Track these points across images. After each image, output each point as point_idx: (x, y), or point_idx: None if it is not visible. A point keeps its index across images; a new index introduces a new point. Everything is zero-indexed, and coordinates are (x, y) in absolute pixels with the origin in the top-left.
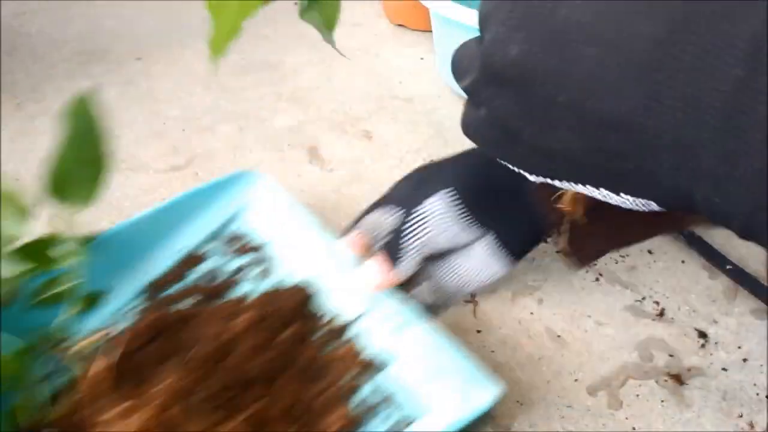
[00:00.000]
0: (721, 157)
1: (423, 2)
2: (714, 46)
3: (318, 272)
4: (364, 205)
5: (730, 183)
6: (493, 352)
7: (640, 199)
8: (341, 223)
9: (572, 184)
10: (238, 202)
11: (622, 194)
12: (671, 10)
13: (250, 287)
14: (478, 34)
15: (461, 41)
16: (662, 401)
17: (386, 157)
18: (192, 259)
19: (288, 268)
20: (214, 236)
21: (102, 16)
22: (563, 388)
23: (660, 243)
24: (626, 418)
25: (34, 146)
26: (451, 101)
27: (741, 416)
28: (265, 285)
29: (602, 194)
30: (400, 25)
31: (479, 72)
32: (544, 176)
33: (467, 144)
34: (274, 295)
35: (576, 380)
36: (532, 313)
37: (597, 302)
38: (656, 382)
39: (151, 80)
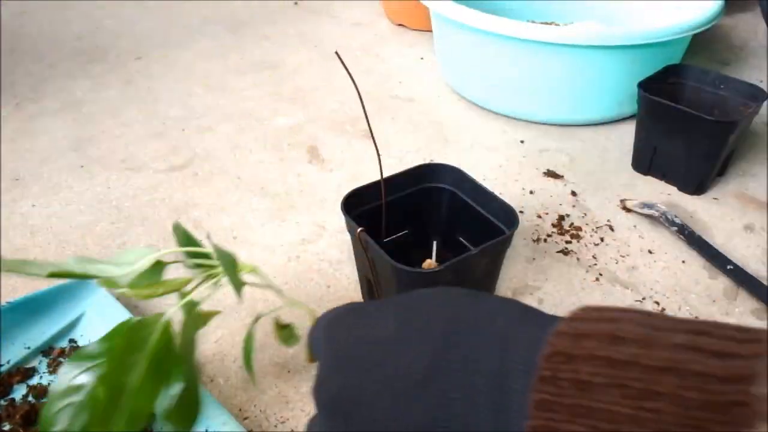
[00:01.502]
0: None
1: (423, 2)
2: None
3: None
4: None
5: None
6: None
7: None
8: (341, 224)
9: None
10: (75, 311)
11: None
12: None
13: None
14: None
15: (460, 41)
16: None
17: (386, 157)
18: (19, 373)
19: None
20: (45, 347)
21: (102, 16)
22: None
23: (660, 243)
24: None
25: (33, 146)
26: (451, 101)
27: None
28: None
29: None
30: (400, 25)
31: (317, 414)
32: None
33: (467, 143)
34: None
35: None
36: None
37: (597, 302)
38: None
39: (151, 80)
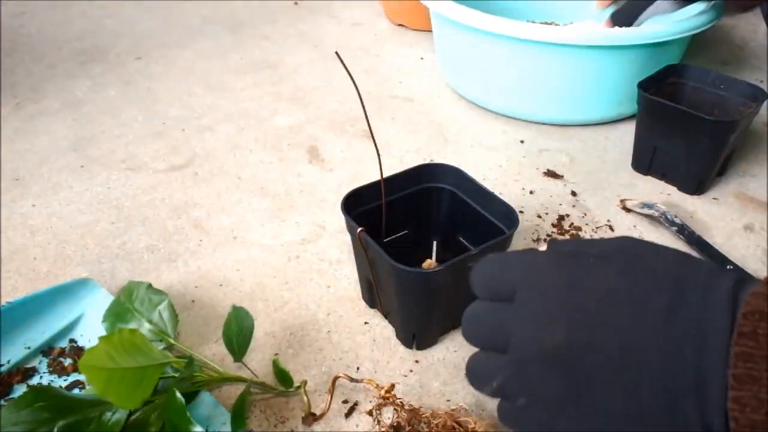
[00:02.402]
0: None
1: (423, 2)
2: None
3: None
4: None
5: None
6: None
7: None
8: (341, 224)
9: None
10: (75, 312)
11: None
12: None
13: None
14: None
15: (460, 41)
16: None
17: (386, 157)
18: (19, 373)
19: None
20: (45, 347)
21: (102, 16)
22: None
23: (660, 243)
24: None
25: (33, 146)
26: (451, 101)
27: None
28: None
29: None
30: (400, 25)
31: (516, 366)
32: None
33: (467, 143)
34: None
35: None
36: None
37: None
38: None
39: (151, 80)
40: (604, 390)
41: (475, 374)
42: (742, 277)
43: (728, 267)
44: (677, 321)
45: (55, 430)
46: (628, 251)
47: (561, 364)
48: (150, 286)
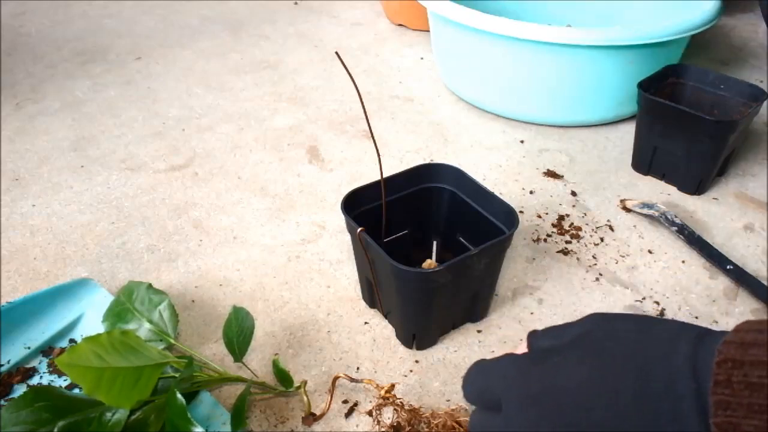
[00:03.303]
0: None
1: (421, 2)
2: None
3: None
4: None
5: None
6: (493, 352)
7: None
8: (341, 224)
9: None
10: (74, 312)
11: None
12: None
13: None
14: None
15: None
16: None
17: (386, 157)
18: (19, 373)
19: None
20: (45, 347)
21: (102, 16)
22: None
23: (660, 243)
24: None
25: (33, 146)
26: (451, 101)
27: None
28: None
29: None
30: (400, 25)
31: None
32: None
33: (467, 143)
34: None
35: None
36: (532, 313)
37: (597, 302)
38: None
39: (151, 80)
40: None
41: None
42: (702, 331)
43: (728, 267)
44: (647, 401)
45: (56, 430)
46: (593, 336)
47: None
48: (150, 286)
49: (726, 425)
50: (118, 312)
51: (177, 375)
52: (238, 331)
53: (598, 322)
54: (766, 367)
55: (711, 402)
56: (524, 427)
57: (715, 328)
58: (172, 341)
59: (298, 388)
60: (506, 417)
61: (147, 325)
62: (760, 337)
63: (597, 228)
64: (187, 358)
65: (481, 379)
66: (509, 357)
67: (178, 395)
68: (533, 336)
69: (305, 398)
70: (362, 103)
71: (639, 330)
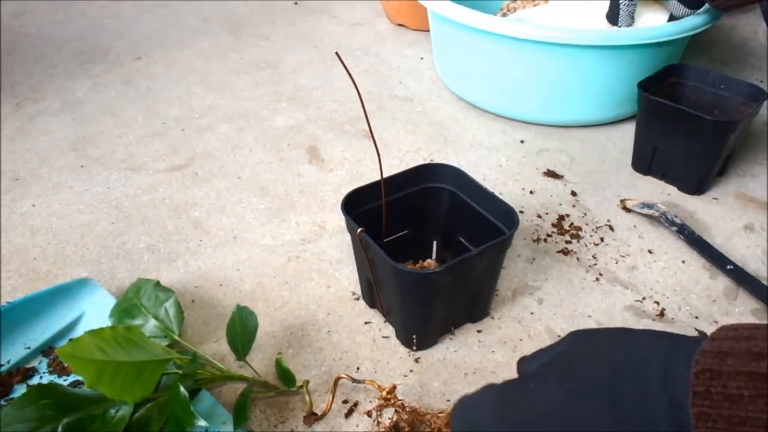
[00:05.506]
0: None
1: (421, 2)
2: None
3: None
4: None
5: None
6: (493, 352)
7: None
8: (341, 224)
9: None
10: (75, 312)
11: None
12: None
13: None
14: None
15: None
16: None
17: (386, 157)
18: (19, 373)
19: None
20: (45, 347)
21: (102, 16)
22: None
23: (660, 243)
24: None
25: (33, 146)
26: (451, 101)
27: None
28: None
29: None
30: (400, 25)
31: None
32: None
33: (467, 143)
34: None
35: None
36: (532, 313)
37: (597, 302)
38: None
39: (151, 80)
40: None
41: None
42: (675, 340)
43: (728, 267)
44: (621, 420)
45: (60, 427)
46: (568, 358)
47: None
48: (158, 283)
49: None
50: (126, 308)
51: (180, 372)
52: (242, 330)
53: (576, 340)
54: (744, 378)
55: (692, 414)
56: None
57: (715, 328)
58: (176, 337)
59: (300, 387)
60: None
61: (153, 322)
62: (737, 346)
63: (597, 228)
64: (191, 355)
65: (465, 415)
66: (489, 389)
67: (182, 389)
68: (521, 362)
69: (307, 398)
70: (362, 103)
71: (613, 348)
